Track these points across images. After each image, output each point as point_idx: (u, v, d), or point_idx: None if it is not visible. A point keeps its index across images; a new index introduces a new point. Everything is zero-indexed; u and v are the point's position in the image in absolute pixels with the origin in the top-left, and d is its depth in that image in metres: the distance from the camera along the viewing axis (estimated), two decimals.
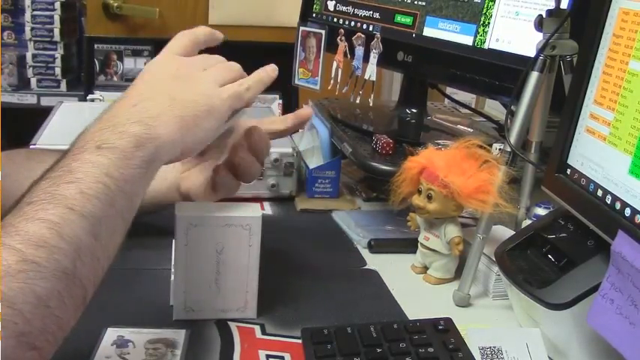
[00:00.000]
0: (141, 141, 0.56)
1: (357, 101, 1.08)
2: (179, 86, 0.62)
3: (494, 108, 1.37)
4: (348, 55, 1.08)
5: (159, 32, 2.09)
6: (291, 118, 0.79)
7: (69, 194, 0.50)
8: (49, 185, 0.51)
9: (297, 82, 1.15)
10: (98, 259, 0.51)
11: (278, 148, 1.04)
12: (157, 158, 0.57)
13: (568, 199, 0.67)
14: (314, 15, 1.22)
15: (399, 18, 1.07)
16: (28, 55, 2.03)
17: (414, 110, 1.16)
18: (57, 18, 2.02)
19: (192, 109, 0.61)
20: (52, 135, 1.04)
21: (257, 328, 0.71)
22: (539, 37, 0.78)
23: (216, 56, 0.69)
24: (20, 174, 0.68)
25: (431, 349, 0.62)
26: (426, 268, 0.86)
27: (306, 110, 0.80)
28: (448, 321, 0.67)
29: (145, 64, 1.94)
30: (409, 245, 0.89)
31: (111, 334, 0.65)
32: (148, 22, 2.11)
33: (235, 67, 0.68)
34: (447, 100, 1.33)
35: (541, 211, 0.87)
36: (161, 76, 0.63)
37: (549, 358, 0.65)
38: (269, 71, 0.70)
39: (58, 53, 2.04)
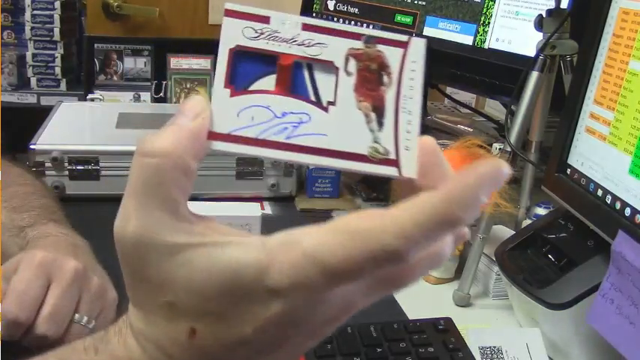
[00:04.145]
0: None
1: None
2: None
3: (494, 108, 1.37)
4: None
5: (159, 32, 2.10)
6: None
7: None
8: None
9: None
10: None
11: None
12: None
13: (568, 199, 0.67)
14: (314, 14, 1.22)
15: (399, 18, 1.07)
16: (28, 55, 2.03)
17: None
18: (57, 17, 2.01)
19: None
20: (51, 135, 1.04)
21: None
22: (539, 37, 0.78)
23: None
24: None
25: (431, 349, 0.62)
26: None
27: None
28: (448, 321, 0.67)
29: (145, 63, 1.94)
30: None
31: None
32: (148, 21, 2.11)
33: None
34: (447, 100, 1.33)
35: (541, 211, 0.87)
36: None
37: (549, 358, 0.65)
38: None
39: (58, 53, 2.04)
